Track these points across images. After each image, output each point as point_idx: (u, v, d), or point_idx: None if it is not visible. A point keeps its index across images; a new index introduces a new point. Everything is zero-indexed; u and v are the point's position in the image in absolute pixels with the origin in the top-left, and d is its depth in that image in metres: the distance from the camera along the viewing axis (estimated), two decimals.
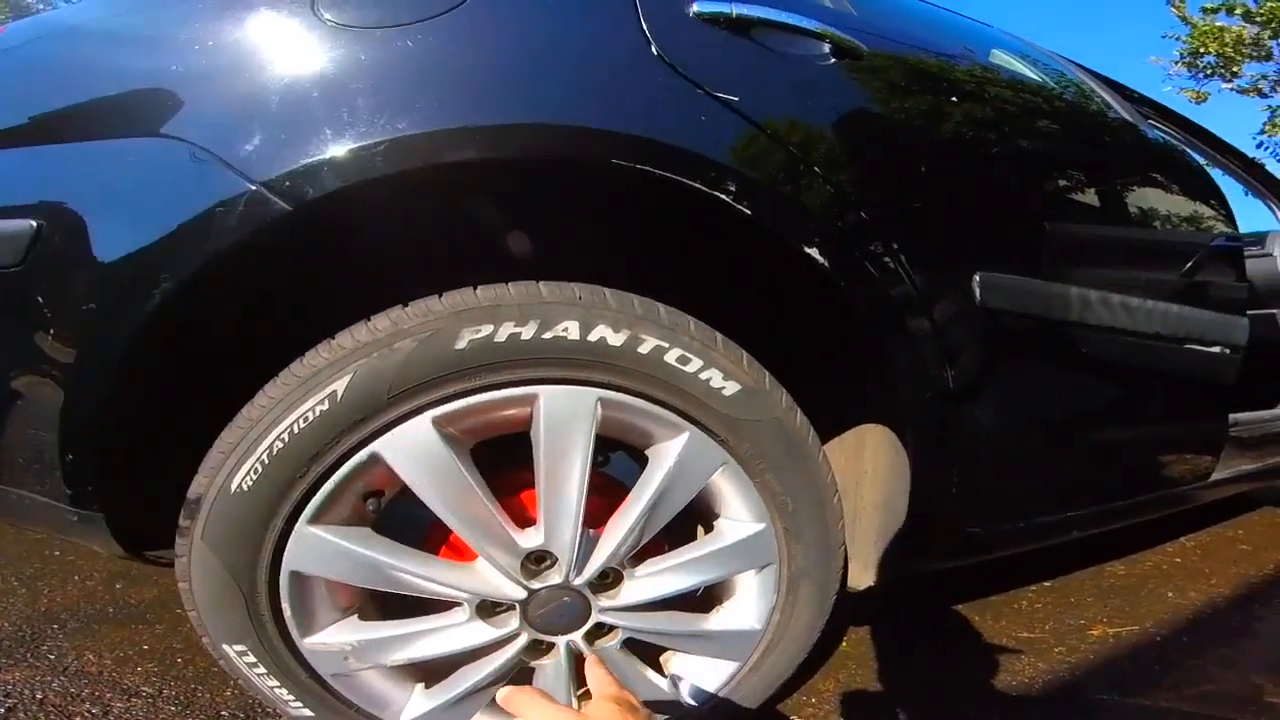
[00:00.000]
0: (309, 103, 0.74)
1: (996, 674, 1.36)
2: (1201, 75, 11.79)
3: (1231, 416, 1.50)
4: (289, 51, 0.76)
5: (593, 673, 0.77)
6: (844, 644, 1.41)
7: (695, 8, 0.89)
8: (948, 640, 1.51)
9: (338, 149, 0.72)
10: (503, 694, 0.69)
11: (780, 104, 0.90)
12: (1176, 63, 11.90)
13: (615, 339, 0.80)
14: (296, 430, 0.76)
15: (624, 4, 0.86)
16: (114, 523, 0.85)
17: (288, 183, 0.71)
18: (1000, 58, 1.27)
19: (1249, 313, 1.43)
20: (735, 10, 0.90)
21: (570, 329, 0.78)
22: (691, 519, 1.02)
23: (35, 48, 0.88)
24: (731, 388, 0.85)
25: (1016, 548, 1.31)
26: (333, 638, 0.87)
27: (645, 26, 0.84)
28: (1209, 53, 11.35)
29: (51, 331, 0.76)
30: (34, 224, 0.74)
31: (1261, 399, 1.76)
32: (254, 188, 0.71)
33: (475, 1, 0.81)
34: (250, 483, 0.77)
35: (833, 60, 0.97)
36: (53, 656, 1.23)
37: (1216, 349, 1.35)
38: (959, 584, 1.68)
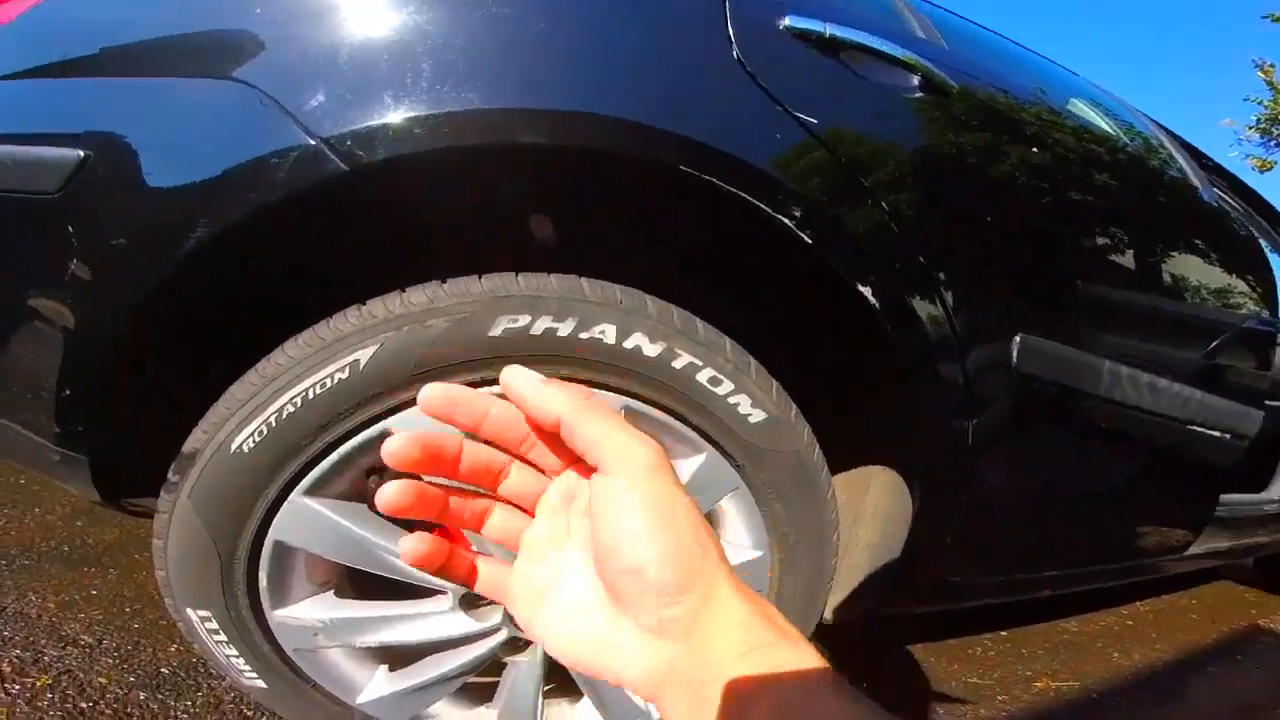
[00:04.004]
0: (381, 63, 0.72)
1: (940, 716, 1.42)
2: (1274, 143, 11.73)
3: (1222, 497, 1.56)
4: (371, 6, 0.73)
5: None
6: None
7: (787, 21, 0.88)
8: (899, 678, 1.56)
9: (400, 115, 0.70)
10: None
11: (860, 133, 0.90)
12: (1251, 128, 11.85)
13: (651, 349, 0.80)
14: (312, 396, 0.74)
15: (713, 3, 0.85)
16: (96, 468, 0.83)
17: (349, 142, 0.69)
18: (1080, 108, 1.28)
19: (1267, 402, 1.49)
20: (829, 30, 0.89)
21: (607, 332, 0.78)
22: None
23: None
24: (758, 416, 0.85)
25: (989, 599, 1.36)
26: (305, 613, 0.86)
27: (731, 29, 0.83)
28: None
29: (73, 263, 0.74)
30: (81, 154, 0.72)
31: (1250, 482, 1.84)
32: (314, 143, 0.69)
33: None
34: (252, 444, 0.75)
35: (920, 94, 0.97)
36: None
37: (1226, 436, 1.40)
38: (918, 622, 1.74)
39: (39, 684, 1.02)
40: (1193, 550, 1.63)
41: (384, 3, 0.73)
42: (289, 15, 0.73)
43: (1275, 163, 11.97)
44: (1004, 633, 1.84)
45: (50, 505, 1.51)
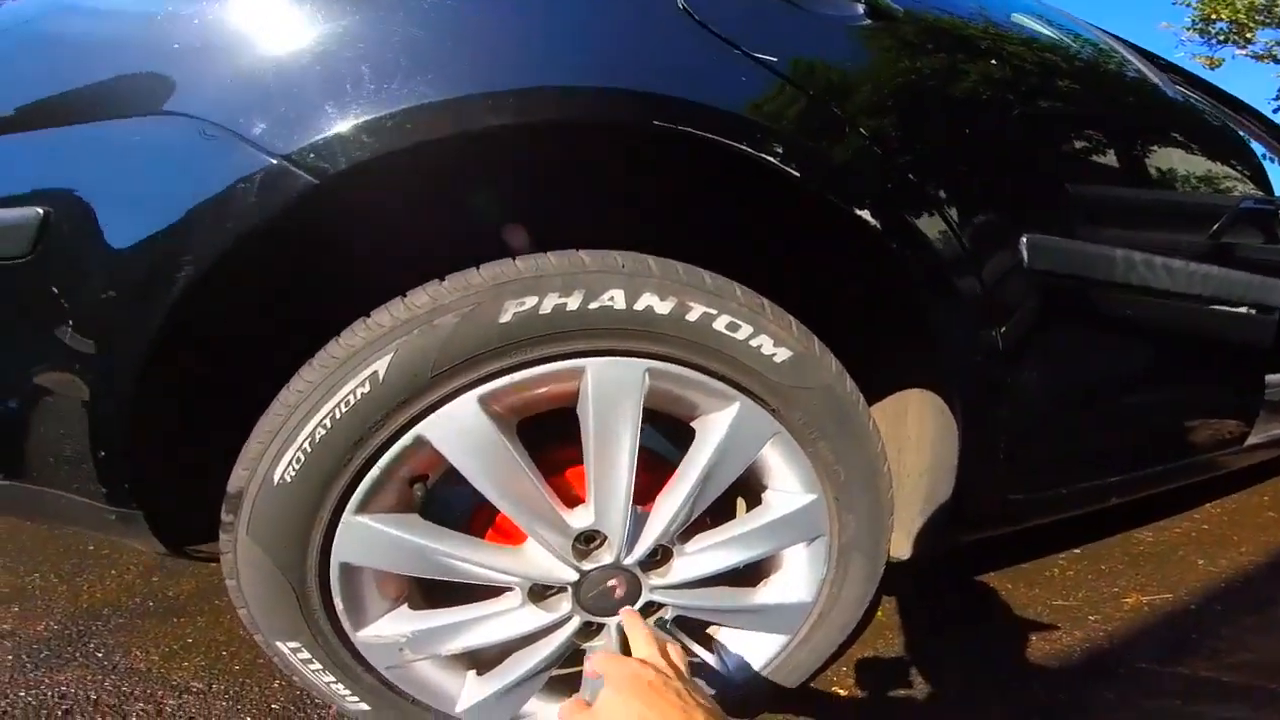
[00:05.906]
0: (322, 70, 0.66)
1: (1034, 643, 1.31)
2: (1214, 41, 11.41)
3: (1268, 378, 1.43)
4: (300, 13, 0.67)
5: (634, 631, 0.73)
6: (880, 614, 1.36)
7: None
8: (983, 609, 1.45)
9: (351, 120, 0.64)
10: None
11: (821, 65, 0.83)
12: (1189, 29, 11.53)
13: (662, 307, 0.74)
14: (338, 415, 0.70)
15: None
16: (154, 519, 0.79)
17: (311, 155, 0.64)
18: (1022, 20, 1.20)
19: None
20: None
21: (616, 298, 0.72)
22: (731, 492, 0.97)
23: (30, 27, 0.78)
24: (782, 354, 0.79)
25: (1055, 515, 1.24)
26: (386, 629, 0.82)
27: None
28: (1221, 19, 11.01)
29: (70, 324, 0.69)
30: (40, 211, 0.67)
31: None
32: (275, 162, 0.64)
33: None
34: (293, 473, 0.71)
35: (868, 21, 0.90)
36: (100, 655, 1.18)
37: (1254, 311, 1.29)
38: (990, 552, 1.61)
39: None
40: (1252, 440, 1.48)
41: (312, 14, 0.67)
42: (213, 40, 0.67)
43: (1223, 60, 11.51)
44: (1077, 550, 1.69)
45: (124, 566, 1.50)
